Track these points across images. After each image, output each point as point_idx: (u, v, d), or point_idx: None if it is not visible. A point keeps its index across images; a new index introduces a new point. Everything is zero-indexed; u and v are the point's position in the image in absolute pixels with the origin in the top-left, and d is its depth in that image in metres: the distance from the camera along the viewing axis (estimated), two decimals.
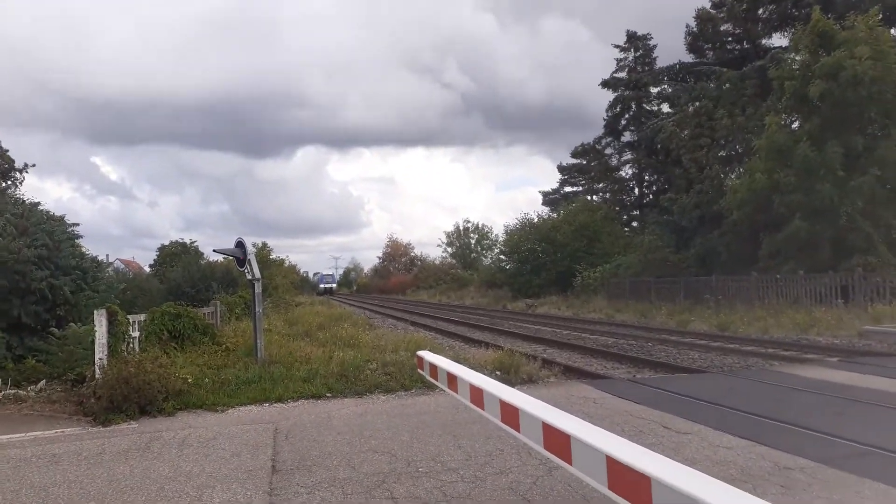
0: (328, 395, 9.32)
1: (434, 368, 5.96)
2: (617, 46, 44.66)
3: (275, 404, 8.83)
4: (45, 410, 8.78)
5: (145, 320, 12.55)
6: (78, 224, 14.15)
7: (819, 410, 7.60)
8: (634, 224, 44.61)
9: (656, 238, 31.53)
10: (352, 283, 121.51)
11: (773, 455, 5.64)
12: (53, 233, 12.24)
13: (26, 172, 17.72)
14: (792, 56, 23.50)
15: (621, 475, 2.59)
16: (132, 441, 6.96)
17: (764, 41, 31.51)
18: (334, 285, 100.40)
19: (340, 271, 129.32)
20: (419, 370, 6.61)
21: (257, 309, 12.01)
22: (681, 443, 6.16)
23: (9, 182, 17.20)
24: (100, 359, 9.17)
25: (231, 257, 13.81)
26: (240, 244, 12.47)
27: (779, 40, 30.55)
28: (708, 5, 32.77)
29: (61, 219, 13.78)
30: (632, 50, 44.43)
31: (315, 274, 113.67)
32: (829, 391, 8.64)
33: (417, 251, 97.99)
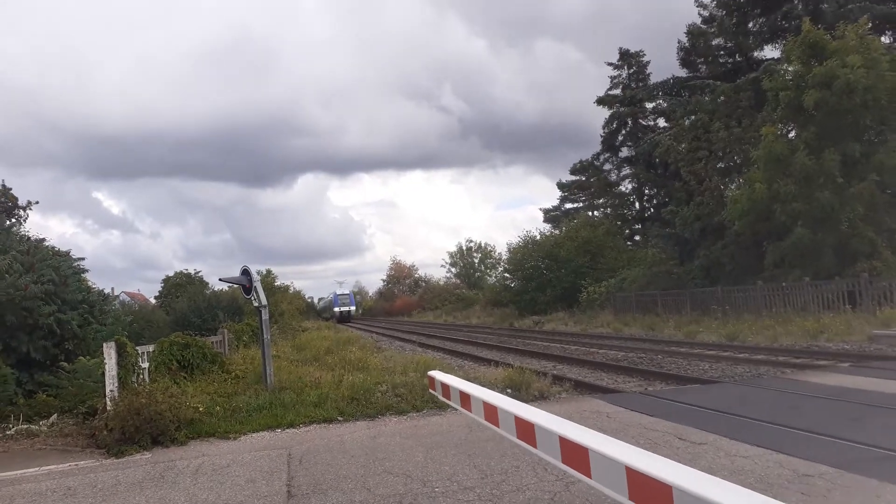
0: (340, 418, 9.30)
1: (446, 388, 5.97)
2: (610, 64, 45.06)
3: (287, 430, 8.81)
4: (58, 444, 8.77)
5: (154, 351, 12.57)
6: (83, 259, 14.22)
7: (834, 416, 7.57)
8: (637, 238, 44.66)
9: (660, 251, 31.54)
10: (357, 307, 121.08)
11: (791, 462, 5.62)
12: (59, 268, 12.30)
13: (30, 210, 17.83)
14: (784, 67, 23.67)
15: (642, 485, 2.59)
16: (146, 472, 6.95)
17: (756, 53, 31.75)
18: (353, 308, 77.47)
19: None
20: (431, 390, 6.61)
21: (265, 335, 12.02)
22: (696, 453, 6.14)
23: (13, 220, 17.27)
24: (111, 391, 9.17)
25: (237, 286, 13.86)
26: (245, 272, 12.52)
27: (771, 52, 30.80)
28: (698, 21, 33.09)
29: (67, 254, 13.85)
30: (625, 67, 44.78)
31: (320, 300, 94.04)
32: (843, 396, 8.61)
33: (421, 272, 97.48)
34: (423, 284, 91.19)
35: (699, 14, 33.13)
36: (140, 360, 11.30)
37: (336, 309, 72.63)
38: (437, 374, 6.38)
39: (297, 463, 6.84)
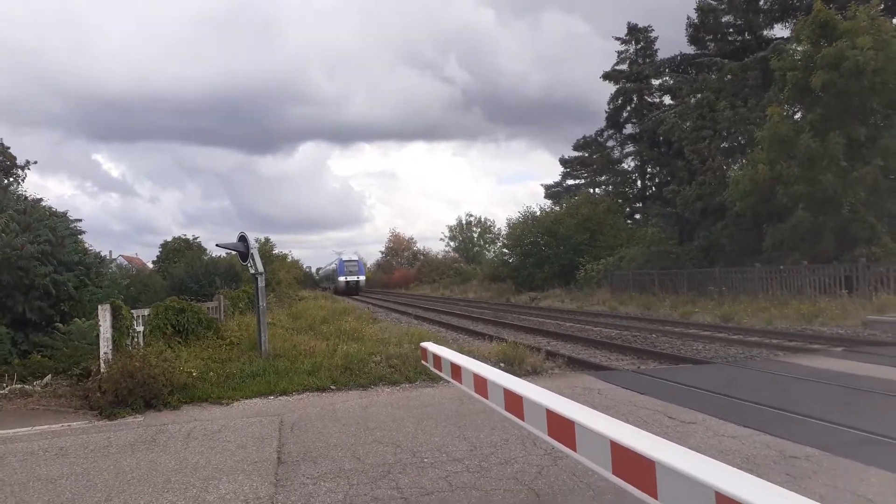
0: (332, 387, 9.34)
1: (438, 359, 5.97)
2: (618, 39, 44.54)
3: (280, 397, 8.85)
4: (52, 405, 8.82)
5: (149, 315, 12.59)
6: (80, 220, 14.20)
7: (824, 400, 7.60)
8: (637, 216, 44.56)
9: (659, 230, 31.50)
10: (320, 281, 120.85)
11: (778, 444, 5.65)
12: (56, 229, 12.26)
13: (28, 170, 17.76)
14: (794, 47, 23.38)
15: (626, 460, 2.59)
16: (138, 434, 6.99)
17: (765, 32, 31.36)
18: (362, 278, 65.99)
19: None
20: (423, 361, 6.62)
21: (261, 303, 12.04)
22: (685, 432, 6.17)
23: (10, 179, 17.20)
24: (105, 353, 9.20)
25: (234, 252, 13.85)
26: (242, 238, 12.49)
27: (780, 31, 30.42)
28: None
29: (64, 215, 13.82)
30: (633, 42, 44.27)
31: (320, 269, 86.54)
32: (833, 381, 8.64)
33: (420, 245, 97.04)
34: (422, 257, 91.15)
35: None
36: (135, 323, 11.31)
37: (341, 278, 62.90)
38: (430, 346, 6.38)
39: (289, 430, 6.88)
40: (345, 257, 67.15)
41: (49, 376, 10.07)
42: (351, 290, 60.95)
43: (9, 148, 17.76)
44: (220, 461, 5.82)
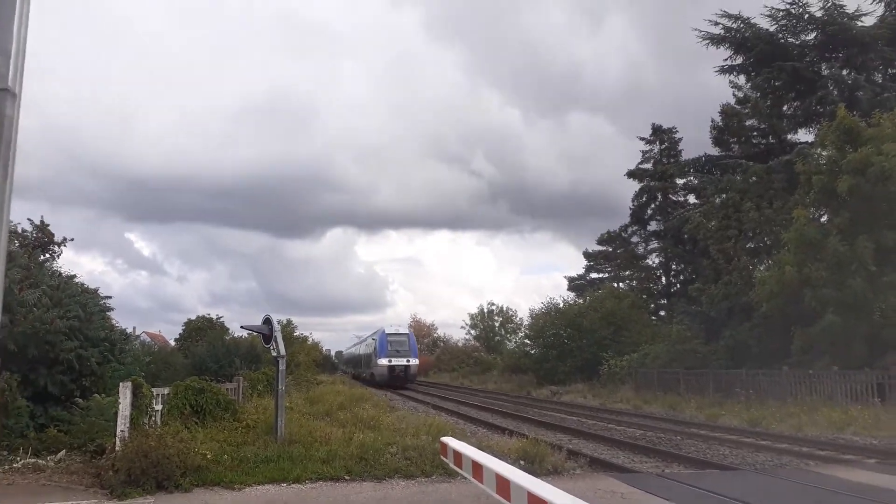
0: (346, 477, 9.13)
1: (459, 456, 5.85)
2: (642, 139, 45.47)
3: (292, 485, 8.66)
4: (63, 481, 8.71)
5: (169, 394, 12.56)
6: (110, 297, 14.40)
7: None
8: (662, 313, 44.08)
9: (685, 328, 31.06)
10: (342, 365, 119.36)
11: None
12: (87, 305, 12.46)
13: (64, 246, 18.23)
14: (818, 151, 23.66)
15: None
16: None
17: (789, 136, 31.84)
18: (415, 362, 44.89)
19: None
20: (442, 457, 6.49)
21: (280, 386, 11.96)
22: None
23: (47, 255, 17.63)
24: (121, 431, 9.14)
25: (257, 334, 13.90)
26: (267, 321, 12.58)
27: (804, 136, 30.86)
28: (732, 101, 33.41)
29: (95, 291, 14.05)
30: (657, 142, 45.15)
31: (346, 350, 70.85)
32: (868, 495, 8.25)
33: (441, 332, 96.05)
34: (442, 344, 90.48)
35: (734, 95, 33.45)
36: (154, 401, 11.28)
37: (384, 361, 42.74)
38: (451, 441, 6.27)
39: None
40: (390, 329, 45.89)
41: (63, 452, 10.00)
42: (398, 379, 41.58)
43: (48, 225, 18.30)
44: None
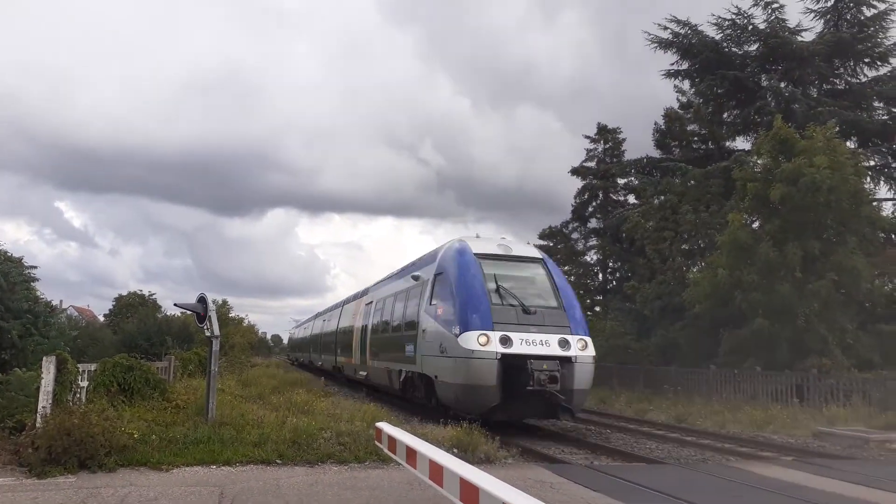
0: (278, 461, 9.02)
1: (393, 441, 5.84)
2: (588, 137, 46.11)
3: (222, 467, 8.51)
4: None
5: (96, 370, 12.14)
6: (36, 267, 13.83)
7: None
8: (597, 308, 45.01)
9: (619, 325, 31.79)
10: (290, 348, 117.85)
11: None
12: (9, 274, 11.92)
13: None
14: (754, 159, 24.51)
15: None
16: (67, 496, 6.61)
17: (728, 143, 32.87)
18: (585, 353, 13.57)
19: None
20: (377, 442, 6.47)
21: (213, 367, 11.71)
22: None
23: None
24: (43, 407, 8.80)
25: (190, 312, 13.55)
26: (202, 300, 12.28)
27: (742, 143, 31.90)
28: (676, 106, 34.25)
29: (19, 261, 13.46)
30: (601, 141, 45.88)
31: (301, 326, 53.52)
32: (784, 491, 8.63)
33: None
34: None
35: (677, 99, 34.31)
36: (80, 378, 10.88)
37: (477, 344, 12.80)
38: (386, 427, 6.25)
39: (229, 503, 6.58)
40: (481, 242, 16.11)
41: None
42: (529, 405, 13.52)
43: None
44: None
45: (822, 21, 29.94)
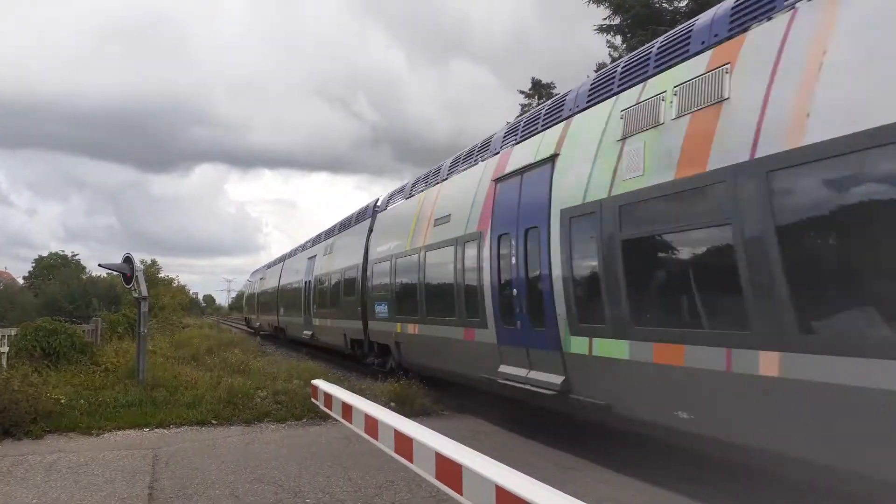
0: (214, 422, 8.98)
1: (329, 398, 5.89)
2: (522, 92, 46.29)
3: (156, 430, 8.41)
4: None
5: (16, 335, 11.71)
6: None
7: None
8: None
9: None
10: (244, 307, 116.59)
11: None
12: None
13: None
14: None
15: None
16: None
17: None
18: None
19: (233, 295, 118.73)
20: (313, 399, 6.50)
21: (142, 328, 11.49)
22: (566, 479, 6.33)
23: None
24: None
25: (117, 273, 13.18)
26: (128, 260, 11.96)
27: None
28: (608, 61, 34.65)
29: None
30: (536, 97, 46.16)
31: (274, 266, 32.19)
32: None
33: None
34: None
35: (609, 55, 34.64)
36: None
37: None
38: (322, 384, 6.29)
39: (163, 465, 6.53)
40: None
41: None
42: None
43: None
44: (85, 496, 5.45)
45: None
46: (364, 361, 15.68)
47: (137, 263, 12.00)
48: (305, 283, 21.29)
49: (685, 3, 31.67)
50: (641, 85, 6.21)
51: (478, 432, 8.61)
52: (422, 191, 12.60)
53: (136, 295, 11.70)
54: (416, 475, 3.64)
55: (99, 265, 20.80)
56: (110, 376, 11.55)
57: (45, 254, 32.56)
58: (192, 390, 10.41)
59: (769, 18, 4.94)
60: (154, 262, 37.07)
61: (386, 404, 9.67)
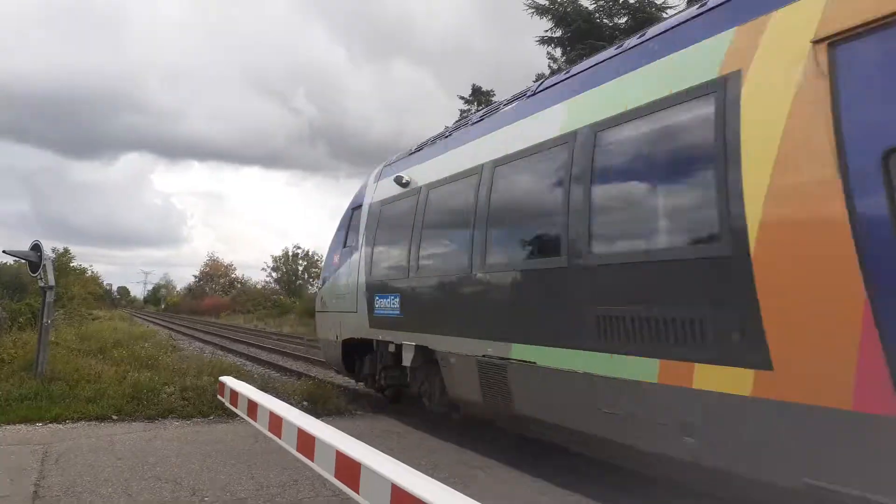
0: (115, 417, 8.62)
1: (235, 395, 5.71)
2: (462, 98, 46.50)
3: (49, 424, 8.00)
4: None
5: None
6: None
7: None
8: None
9: None
10: (160, 301, 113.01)
11: None
12: None
13: None
14: None
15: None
16: None
17: None
18: None
19: (150, 287, 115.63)
20: (220, 396, 6.30)
21: (45, 319, 10.92)
22: (472, 476, 6.34)
23: None
24: None
25: (23, 260, 12.52)
26: (36, 247, 11.41)
27: None
28: (547, 72, 35.21)
29: None
30: (475, 103, 46.49)
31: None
32: None
33: (240, 273, 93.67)
34: (239, 286, 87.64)
35: (549, 66, 35.22)
36: None
37: None
38: (229, 381, 6.09)
39: (53, 462, 6.20)
40: None
41: None
42: None
43: None
44: None
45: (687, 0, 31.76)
46: None
47: (47, 251, 11.46)
48: None
49: (625, 20, 32.62)
50: None
51: (390, 432, 8.55)
52: None
53: (42, 284, 11.15)
54: (320, 474, 3.56)
55: (3, 251, 19.62)
56: (5, 368, 10.92)
57: None
58: (95, 384, 9.95)
59: None
60: (67, 251, 35.34)
61: (298, 403, 9.52)
